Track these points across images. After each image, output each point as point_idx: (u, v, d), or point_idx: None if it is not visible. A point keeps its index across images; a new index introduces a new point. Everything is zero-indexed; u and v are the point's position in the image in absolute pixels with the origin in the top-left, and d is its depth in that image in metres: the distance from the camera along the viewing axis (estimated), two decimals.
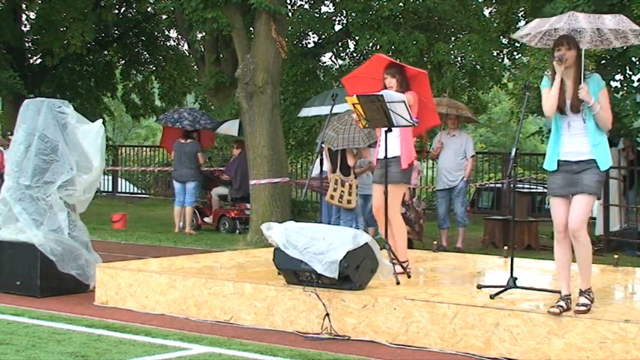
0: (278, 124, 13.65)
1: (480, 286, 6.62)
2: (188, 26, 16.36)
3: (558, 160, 5.90)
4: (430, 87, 8.15)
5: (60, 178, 8.25)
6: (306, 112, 14.32)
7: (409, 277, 7.26)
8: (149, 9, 22.53)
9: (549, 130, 6.28)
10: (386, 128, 7.21)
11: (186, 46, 22.95)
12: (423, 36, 16.09)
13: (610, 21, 6.16)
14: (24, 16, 22.31)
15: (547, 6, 11.32)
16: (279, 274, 6.90)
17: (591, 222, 6.32)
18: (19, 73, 19.47)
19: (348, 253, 6.37)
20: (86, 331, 6.42)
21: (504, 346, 5.78)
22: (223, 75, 17.31)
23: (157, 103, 24.75)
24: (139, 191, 25.28)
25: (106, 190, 23.55)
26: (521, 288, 6.33)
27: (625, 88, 12.21)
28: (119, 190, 24.36)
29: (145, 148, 27.33)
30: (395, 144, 7.37)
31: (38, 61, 22.27)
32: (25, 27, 22.26)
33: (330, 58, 19.57)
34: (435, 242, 11.16)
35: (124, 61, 24.04)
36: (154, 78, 24.27)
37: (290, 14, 17.75)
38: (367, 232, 9.09)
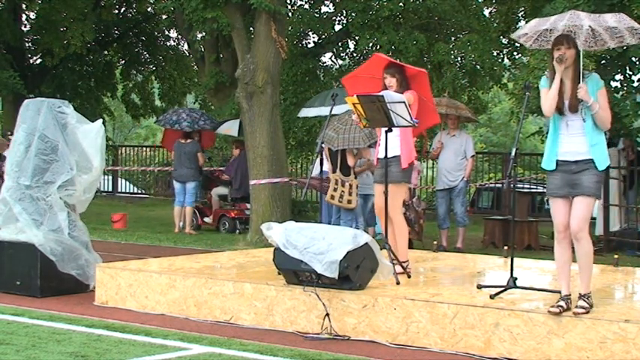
0: (278, 124, 13.65)
1: (479, 286, 6.62)
2: (188, 26, 16.36)
3: (556, 160, 5.90)
4: (430, 86, 8.15)
5: (60, 178, 8.25)
6: (306, 112, 14.32)
7: (409, 277, 7.26)
8: (149, 9, 22.53)
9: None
10: (386, 128, 7.21)
11: (186, 46, 22.97)
12: (423, 36, 16.09)
13: (611, 19, 6.17)
14: (24, 16, 22.31)
15: (547, 6, 11.33)
16: (279, 274, 6.90)
17: (591, 222, 6.30)
18: (19, 73, 19.47)
19: (348, 253, 6.37)
20: (86, 331, 6.42)
21: (504, 346, 5.78)
22: (223, 75, 17.31)
23: (157, 103, 24.75)
24: (139, 191, 25.27)
25: (106, 190, 23.55)
26: (521, 288, 6.33)
27: (625, 88, 12.21)
28: (119, 190, 24.36)
29: (145, 148, 27.34)
30: (395, 143, 7.37)
31: (38, 61, 22.27)
32: (25, 27, 22.26)
33: (330, 58, 19.59)
34: (435, 242, 11.16)
35: (124, 61, 24.03)
36: (153, 78, 24.26)
37: (290, 14, 17.75)
38: (367, 232, 9.09)
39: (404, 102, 7.03)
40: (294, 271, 6.60)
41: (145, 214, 19.19)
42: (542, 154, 6.07)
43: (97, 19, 20.99)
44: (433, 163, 15.95)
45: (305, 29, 18.06)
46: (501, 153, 24.68)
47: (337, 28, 18.33)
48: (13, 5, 20.90)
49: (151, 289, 7.40)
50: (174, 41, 24.24)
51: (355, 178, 11.33)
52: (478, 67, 16.72)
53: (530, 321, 5.70)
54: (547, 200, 7.26)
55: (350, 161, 11.26)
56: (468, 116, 12.92)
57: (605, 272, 8.02)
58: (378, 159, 7.61)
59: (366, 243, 6.51)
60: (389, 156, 7.28)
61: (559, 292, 5.89)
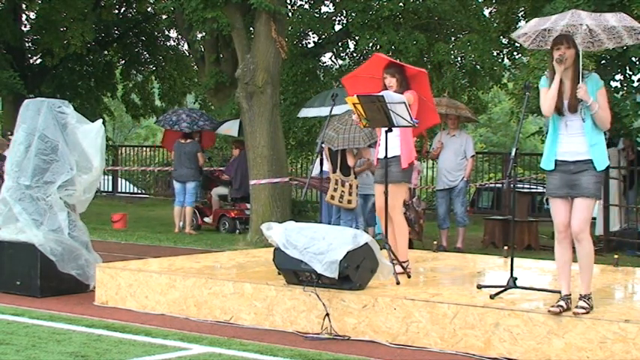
0: (278, 124, 13.65)
1: (479, 286, 6.62)
2: (188, 26, 16.36)
3: (555, 160, 5.90)
4: (430, 86, 8.15)
5: (60, 178, 8.25)
6: (306, 112, 14.32)
7: (409, 277, 7.26)
8: (149, 9, 22.52)
9: None
10: (386, 128, 7.21)
11: (186, 46, 22.97)
12: (423, 36, 16.08)
13: (612, 18, 6.17)
14: (24, 16, 22.31)
15: (547, 6, 11.32)
16: (279, 274, 6.90)
17: (591, 222, 6.29)
18: (19, 73, 19.47)
19: (348, 253, 6.37)
20: (86, 331, 6.42)
21: (504, 346, 5.78)
22: (223, 75, 17.31)
23: (157, 103, 24.75)
24: (139, 191, 25.27)
25: (106, 190, 23.55)
26: (521, 288, 6.33)
27: (625, 88, 12.21)
28: (119, 190, 24.36)
29: (145, 148, 27.34)
30: (395, 143, 7.37)
31: (38, 61, 22.27)
32: (25, 27, 22.26)
33: (330, 58, 19.59)
34: (435, 242, 11.16)
35: (124, 61, 24.03)
36: (153, 78, 24.26)
37: (290, 14, 17.74)
38: (367, 232, 9.09)
39: (404, 102, 7.04)
40: (294, 271, 6.60)
41: (145, 214, 19.19)
42: (542, 154, 6.08)
43: (97, 19, 20.99)
44: (433, 163, 15.95)
45: (305, 29, 18.06)
46: (501, 153, 24.68)
47: (337, 28, 18.33)
48: (13, 5, 20.90)
49: (150, 289, 7.40)
50: (174, 41, 24.26)
51: (355, 178, 11.33)
52: (478, 67, 16.71)
53: (530, 321, 5.70)
54: (547, 200, 7.25)
55: (350, 161, 11.26)
56: (468, 116, 12.92)
57: (605, 272, 8.01)
58: (378, 159, 7.61)
59: (366, 243, 6.52)
60: (389, 156, 7.28)
61: (559, 292, 5.89)
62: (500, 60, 17.80)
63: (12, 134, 9.01)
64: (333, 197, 11.28)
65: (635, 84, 12.45)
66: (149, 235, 14.25)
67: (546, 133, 6.17)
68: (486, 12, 18.63)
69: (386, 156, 7.27)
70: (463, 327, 5.93)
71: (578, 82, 5.78)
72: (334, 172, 11.29)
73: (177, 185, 14.82)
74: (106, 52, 23.50)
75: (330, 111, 8.45)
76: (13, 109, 19.30)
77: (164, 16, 19.96)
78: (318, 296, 6.42)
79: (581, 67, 5.85)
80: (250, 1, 12.96)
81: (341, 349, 5.96)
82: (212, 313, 7.01)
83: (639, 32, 6.18)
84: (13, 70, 19.47)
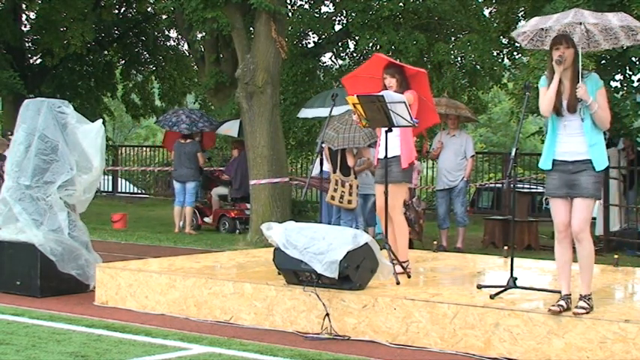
0: (278, 124, 13.65)
1: (479, 286, 6.62)
2: (188, 26, 16.36)
3: (554, 160, 5.89)
4: (430, 86, 8.15)
5: (60, 178, 8.26)
6: (305, 113, 14.31)
7: (409, 277, 7.26)
8: (149, 9, 22.51)
9: None
10: (386, 128, 7.21)
11: (186, 46, 22.96)
12: (423, 36, 16.08)
13: (614, 17, 6.17)
14: (24, 16, 22.30)
15: (547, 6, 11.32)
16: (279, 274, 6.90)
17: (591, 222, 6.29)
18: (19, 73, 19.47)
19: (348, 253, 6.37)
20: (86, 331, 6.42)
21: (504, 346, 5.78)
22: (223, 75, 17.30)
23: (157, 103, 24.74)
24: (139, 191, 25.27)
25: (106, 190, 23.54)
26: (521, 288, 6.33)
27: (625, 88, 12.21)
28: (119, 190, 24.35)
29: (145, 148, 27.33)
30: (395, 143, 7.37)
31: (38, 61, 22.26)
32: (25, 27, 22.26)
33: (330, 58, 19.58)
34: (435, 242, 11.16)
35: (124, 61, 24.02)
36: (153, 78, 24.25)
37: (290, 14, 17.74)
38: (367, 232, 9.09)
39: (404, 102, 7.04)
40: (294, 271, 6.60)
41: (145, 214, 19.19)
42: (541, 154, 6.07)
43: (97, 19, 20.98)
44: (433, 163, 15.95)
45: (305, 29, 18.05)
46: (501, 153, 24.67)
47: (337, 28, 18.32)
48: (13, 5, 20.90)
49: (151, 289, 7.40)
50: (174, 41, 24.25)
51: (355, 178, 11.33)
52: (478, 67, 16.71)
53: (530, 321, 5.70)
54: (547, 200, 7.25)
55: (350, 161, 11.25)
56: (468, 116, 12.92)
57: (605, 272, 8.01)
58: (378, 159, 7.61)
59: (366, 243, 6.52)
60: (389, 156, 7.28)
61: (559, 292, 5.89)
62: (500, 60, 17.80)
63: (12, 134, 9.02)
64: (333, 197, 11.28)
65: (635, 84, 12.45)
66: (149, 235, 14.25)
67: (546, 133, 6.17)
68: (486, 12, 18.63)
69: (386, 156, 7.27)
70: (463, 327, 5.93)
71: (578, 82, 5.78)
72: (334, 172, 11.29)
73: (177, 185, 14.83)
74: (106, 52, 23.49)
75: (330, 111, 8.44)
76: (13, 109, 19.29)
77: (164, 16, 19.96)
78: (318, 296, 6.42)
79: (580, 66, 5.84)
80: (250, 1, 12.96)
81: (341, 349, 5.96)
82: (212, 313, 7.01)
83: (637, 33, 6.18)
84: (13, 70, 19.46)
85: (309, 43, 18.67)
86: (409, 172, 7.57)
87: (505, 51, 18.17)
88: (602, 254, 11.21)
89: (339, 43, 18.74)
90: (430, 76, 9.81)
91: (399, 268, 7.15)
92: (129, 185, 25.29)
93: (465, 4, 17.53)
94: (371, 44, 16.79)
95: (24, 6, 21.61)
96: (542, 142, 6.16)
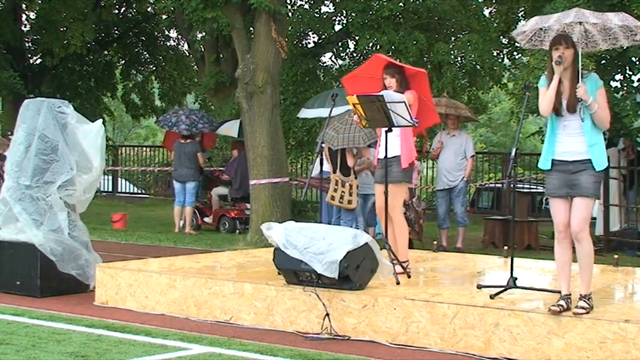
0: (278, 124, 13.65)
1: (479, 286, 6.62)
2: (188, 26, 16.36)
3: (554, 160, 5.89)
4: (430, 86, 8.15)
5: (60, 178, 8.26)
6: (305, 113, 14.31)
7: (409, 277, 7.26)
8: (149, 9, 22.51)
9: None
10: (386, 128, 7.21)
11: (186, 46, 22.95)
12: (423, 36, 16.08)
13: (615, 17, 6.17)
14: (24, 16, 22.30)
15: (547, 6, 11.32)
16: (279, 274, 6.90)
17: (591, 222, 6.31)
18: (19, 73, 19.47)
19: (348, 253, 6.37)
20: (86, 331, 6.42)
21: (504, 346, 5.78)
22: (223, 75, 17.30)
23: (157, 103, 24.74)
24: (139, 191, 25.27)
25: (106, 190, 23.54)
26: (521, 288, 6.33)
27: (625, 88, 12.22)
28: (119, 190, 24.35)
29: (145, 148, 27.33)
30: (395, 144, 7.37)
31: (38, 61, 22.26)
32: (25, 27, 22.25)
33: (330, 58, 19.58)
34: (435, 242, 11.16)
35: (124, 61, 24.02)
36: (153, 78, 24.25)
37: (290, 14, 17.74)
38: (367, 232, 9.09)
39: (404, 102, 7.03)
40: (294, 271, 6.60)
41: (145, 214, 19.19)
42: (540, 155, 6.07)
43: (97, 19, 20.98)
44: (433, 163, 15.95)
45: (305, 29, 18.05)
46: (501, 153, 24.67)
47: (337, 28, 18.32)
48: (13, 5, 20.90)
49: (151, 289, 7.40)
50: (174, 41, 24.24)
51: (355, 178, 11.33)
52: (478, 67, 16.71)
53: (530, 321, 5.70)
54: (547, 200, 7.25)
55: (350, 161, 11.26)
56: (468, 116, 12.92)
57: (605, 272, 8.01)
58: (378, 159, 7.61)
59: (366, 243, 6.51)
60: (389, 156, 7.28)
61: (559, 292, 5.89)
62: (500, 60, 17.80)
63: (12, 134, 9.02)
64: (333, 198, 11.28)
65: (635, 84, 12.46)
66: (149, 235, 14.25)
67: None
68: (486, 12, 18.63)
69: (386, 156, 7.26)
70: (463, 327, 5.93)
71: (578, 82, 5.78)
72: (334, 172, 11.29)
73: (177, 185, 14.83)
74: (106, 52, 23.49)
75: (330, 111, 8.44)
76: (13, 109, 19.29)
77: (164, 16, 19.96)
78: (318, 296, 6.42)
79: (580, 66, 5.84)
80: (250, 1, 12.96)
81: (341, 349, 5.96)
82: (212, 313, 7.01)
83: (636, 33, 6.18)
84: (13, 70, 19.46)
85: (309, 43, 18.68)
86: (409, 172, 7.57)
87: (505, 51, 18.17)
88: (602, 254, 11.21)
89: (339, 43, 18.74)
90: (430, 76, 9.81)
91: (399, 268, 7.15)
92: (129, 185, 25.29)
93: (465, 4, 17.53)
94: (371, 44, 16.79)
95: (24, 6, 21.61)
96: (542, 142, 6.15)
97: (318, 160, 8.23)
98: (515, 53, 18.00)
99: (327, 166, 11.02)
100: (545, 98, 5.88)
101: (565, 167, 5.85)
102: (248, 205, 14.09)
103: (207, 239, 13.58)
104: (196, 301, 7.11)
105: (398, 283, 6.80)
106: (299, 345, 6.10)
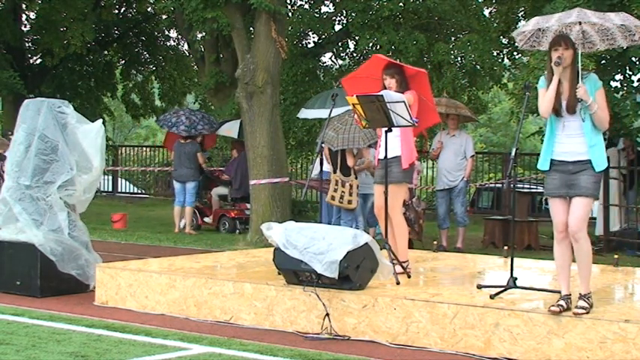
0: (278, 124, 13.65)
1: (479, 286, 6.62)
2: (188, 26, 16.35)
3: (553, 160, 5.89)
4: (430, 86, 8.14)
5: (60, 178, 8.26)
6: (305, 113, 14.31)
7: (409, 277, 7.26)
8: (149, 9, 22.51)
9: None
10: (386, 128, 7.21)
11: (186, 46, 22.95)
12: (423, 36, 16.08)
13: (616, 17, 6.17)
14: (24, 16, 22.29)
15: (547, 6, 11.32)
16: (279, 274, 6.90)
17: (591, 222, 6.33)
18: (19, 73, 19.46)
19: (348, 253, 6.37)
20: (86, 331, 6.42)
21: (504, 346, 5.78)
22: (223, 75, 17.30)
23: (157, 103, 24.73)
24: (139, 191, 25.28)
25: (106, 190, 23.54)
26: (521, 288, 6.33)
27: (625, 88, 12.21)
28: (119, 190, 24.35)
29: (145, 148, 27.33)
30: (395, 144, 7.37)
31: (38, 61, 22.26)
32: (25, 27, 22.25)
33: (330, 58, 19.58)
34: (435, 242, 11.17)
35: (124, 61, 24.02)
36: (153, 78, 24.25)
37: (290, 14, 17.74)
38: (367, 232, 9.09)
39: (403, 102, 7.03)
40: (294, 271, 6.60)
41: (145, 214, 19.19)
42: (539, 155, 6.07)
43: (97, 19, 20.97)
44: (433, 163, 15.95)
45: (305, 29, 18.05)
46: (501, 153, 24.67)
47: (337, 28, 18.32)
48: (13, 5, 20.89)
49: (151, 289, 7.40)
50: (174, 41, 24.24)
51: (355, 178, 11.33)
52: (478, 67, 16.71)
53: (530, 321, 5.70)
54: (546, 200, 7.25)
55: (350, 161, 11.25)
56: (468, 116, 12.92)
57: (605, 272, 8.02)
58: (378, 160, 7.60)
59: (366, 243, 6.52)
60: (389, 156, 7.27)
61: (559, 292, 5.89)
62: (500, 60, 17.80)
63: (12, 134, 9.02)
64: (333, 198, 11.28)
65: (635, 84, 12.45)
66: (149, 235, 14.25)
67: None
68: (486, 12, 18.63)
69: (386, 156, 7.26)
70: (463, 327, 5.93)
71: (577, 83, 5.78)
72: (334, 172, 11.29)
73: (177, 185, 14.83)
74: (106, 52, 23.49)
75: (330, 111, 8.44)
76: (13, 109, 19.29)
77: (164, 16, 19.95)
78: (318, 296, 6.42)
79: (579, 67, 5.84)
80: (250, 1, 12.96)
81: (341, 349, 5.96)
82: (212, 313, 7.01)
83: (634, 34, 6.18)
84: (13, 70, 19.45)
85: (309, 43, 18.68)
86: (410, 172, 7.57)
87: (505, 51, 18.17)
88: (602, 254, 11.21)
89: (339, 43, 18.74)
90: (430, 76, 9.80)
91: (399, 268, 7.15)
92: (129, 185, 25.29)
93: (465, 4, 17.53)
94: (371, 44, 16.79)
95: (24, 6, 21.61)
96: (542, 142, 6.15)
97: (318, 160, 8.23)
98: (515, 53, 18.00)
99: (327, 167, 11.02)
100: (545, 99, 5.88)
101: (565, 167, 5.85)
102: (248, 205, 14.09)
103: (207, 239, 13.58)
104: (196, 301, 7.11)
105: (398, 283, 6.80)
106: (299, 345, 6.10)
